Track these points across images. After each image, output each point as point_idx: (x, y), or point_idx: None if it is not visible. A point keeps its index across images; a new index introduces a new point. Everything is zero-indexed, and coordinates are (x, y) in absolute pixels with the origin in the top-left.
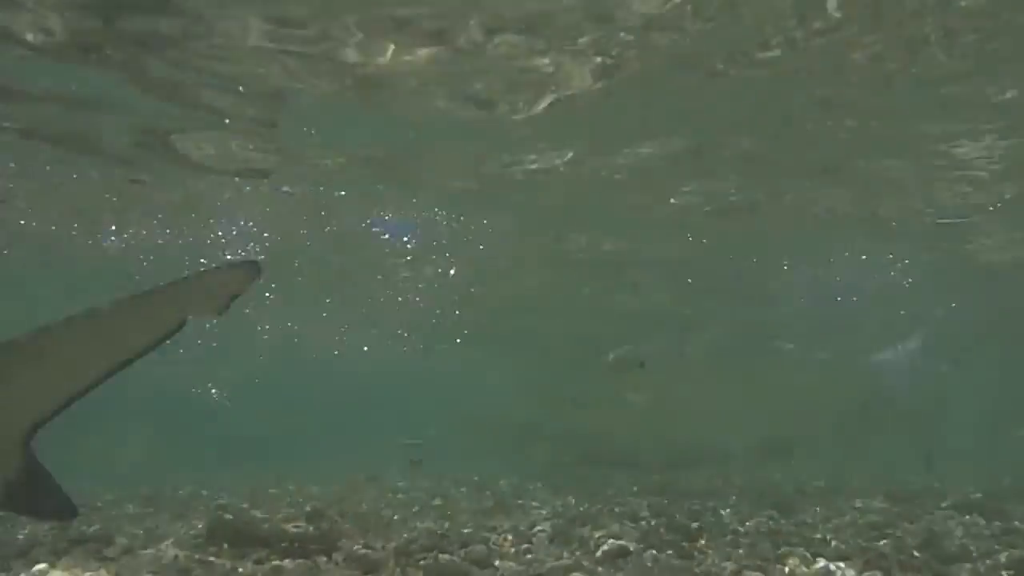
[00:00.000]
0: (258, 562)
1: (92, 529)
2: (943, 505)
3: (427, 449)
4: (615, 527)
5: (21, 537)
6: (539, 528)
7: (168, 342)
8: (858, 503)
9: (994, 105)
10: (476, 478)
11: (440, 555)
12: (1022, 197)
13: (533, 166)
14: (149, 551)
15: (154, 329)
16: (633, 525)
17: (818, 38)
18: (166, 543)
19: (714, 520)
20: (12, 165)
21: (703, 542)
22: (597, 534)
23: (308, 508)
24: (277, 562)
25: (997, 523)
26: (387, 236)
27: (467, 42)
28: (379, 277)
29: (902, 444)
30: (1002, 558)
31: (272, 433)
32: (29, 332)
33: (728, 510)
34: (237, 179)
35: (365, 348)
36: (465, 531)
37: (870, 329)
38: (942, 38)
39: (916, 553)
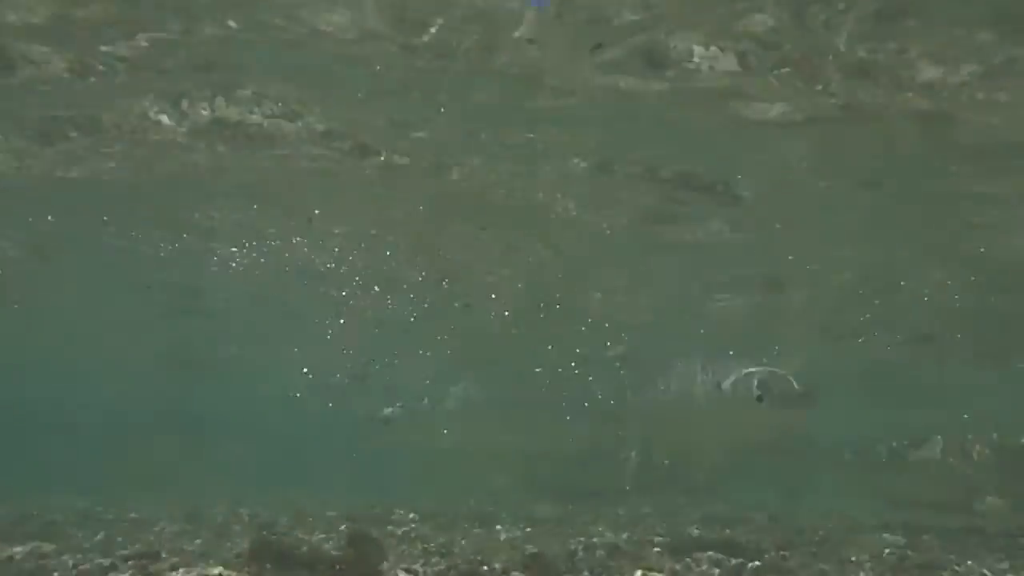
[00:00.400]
0: None
1: (138, 546)
2: None
3: None
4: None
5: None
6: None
7: None
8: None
9: None
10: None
11: None
12: None
13: None
14: (194, 570)
15: None
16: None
17: None
18: (210, 563)
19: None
20: None
21: None
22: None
23: (348, 529)
24: None
25: None
26: None
27: None
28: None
29: None
30: None
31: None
32: None
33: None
34: None
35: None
36: (501, 563)
37: None
38: None
39: None
